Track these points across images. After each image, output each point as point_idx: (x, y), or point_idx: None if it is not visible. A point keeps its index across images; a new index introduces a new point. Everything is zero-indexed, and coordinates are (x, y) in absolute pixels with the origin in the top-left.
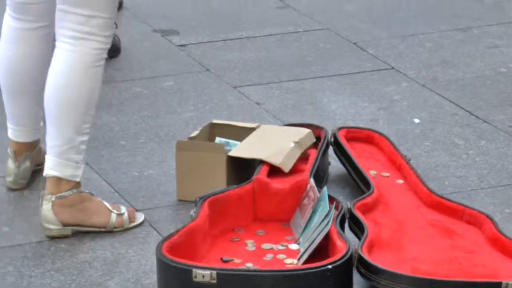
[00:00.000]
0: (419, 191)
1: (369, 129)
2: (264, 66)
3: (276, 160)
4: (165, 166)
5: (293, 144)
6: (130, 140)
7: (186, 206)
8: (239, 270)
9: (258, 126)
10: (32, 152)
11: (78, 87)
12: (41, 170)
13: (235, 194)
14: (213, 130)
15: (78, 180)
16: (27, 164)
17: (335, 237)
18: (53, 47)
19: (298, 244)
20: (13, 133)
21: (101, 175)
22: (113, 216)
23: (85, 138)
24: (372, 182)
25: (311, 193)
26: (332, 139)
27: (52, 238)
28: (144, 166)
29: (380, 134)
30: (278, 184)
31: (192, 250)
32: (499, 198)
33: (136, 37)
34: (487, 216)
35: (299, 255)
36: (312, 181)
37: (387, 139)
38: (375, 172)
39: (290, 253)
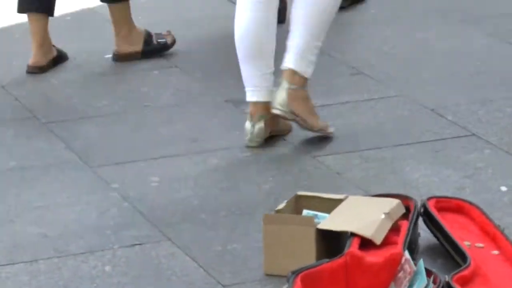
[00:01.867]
0: None
1: (458, 199)
2: (341, 135)
3: (367, 233)
4: (250, 240)
5: (383, 216)
6: (210, 214)
7: (274, 280)
8: None
9: (345, 198)
10: (266, 115)
11: (328, 2)
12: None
13: (328, 269)
14: (299, 202)
15: (307, 76)
16: (261, 125)
17: None
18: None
19: None
20: (248, 94)
21: (184, 250)
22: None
23: (320, 44)
24: (468, 253)
25: (406, 266)
26: (422, 210)
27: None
28: (228, 240)
29: (470, 203)
30: (371, 257)
31: None
32: None
33: (209, 108)
34: None
35: None
36: (407, 253)
37: (478, 208)
38: (469, 243)
39: None
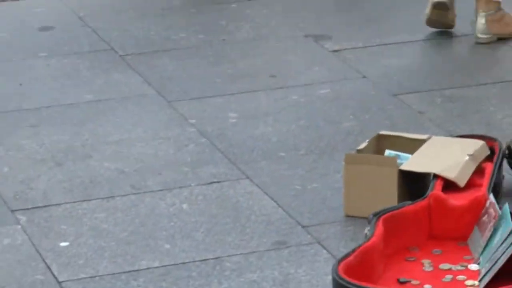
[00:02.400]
0: None
1: None
2: (423, 73)
3: (450, 174)
4: (329, 180)
5: (467, 157)
6: (289, 152)
7: (355, 222)
8: None
9: (428, 138)
10: None
11: None
12: None
13: (411, 211)
14: (380, 142)
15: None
16: None
17: None
18: None
19: (478, 264)
20: None
21: (263, 189)
22: None
23: None
24: None
25: (491, 210)
26: (506, 151)
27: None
28: (307, 179)
29: None
30: (455, 200)
31: (368, 271)
32: None
33: (289, 42)
34: None
35: (480, 277)
36: (492, 197)
37: None
38: None
39: (470, 275)
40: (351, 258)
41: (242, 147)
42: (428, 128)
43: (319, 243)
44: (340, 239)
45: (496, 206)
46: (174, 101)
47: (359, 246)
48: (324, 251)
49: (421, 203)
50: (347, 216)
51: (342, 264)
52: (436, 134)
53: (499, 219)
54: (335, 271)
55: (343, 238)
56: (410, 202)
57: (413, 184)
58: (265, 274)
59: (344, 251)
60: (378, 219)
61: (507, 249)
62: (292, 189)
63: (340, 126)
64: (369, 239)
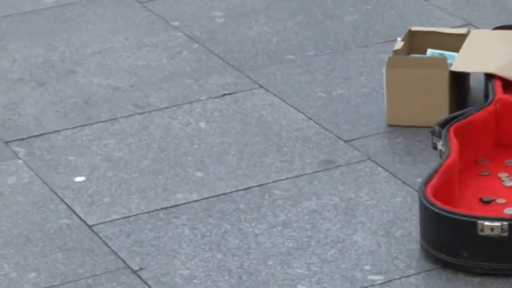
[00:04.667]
0: None
1: None
2: None
3: (510, 73)
4: (354, 84)
5: None
6: (297, 53)
7: (402, 132)
8: None
9: (468, 32)
10: None
11: None
12: None
13: (478, 119)
14: (413, 40)
15: None
16: None
17: None
18: None
19: None
20: None
21: (283, 99)
22: None
23: None
24: None
25: None
26: None
27: None
28: (329, 85)
29: None
30: None
31: (450, 191)
32: None
33: None
34: None
35: None
36: None
37: None
38: None
39: None
40: (435, 180)
41: (242, 51)
42: (442, 17)
43: (370, 159)
44: (392, 154)
45: None
46: (146, 1)
47: (440, 165)
48: (380, 168)
49: (488, 109)
50: (390, 125)
51: (429, 187)
52: (452, 24)
53: None
54: (424, 196)
55: (395, 152)
56: (474, 108)
57: (460, 86)
58: (324, 202)
59: (402, 167)
60: (448, 131)
61: None
62: (316, 98)
63: (342, 20)
64: (448, 156)
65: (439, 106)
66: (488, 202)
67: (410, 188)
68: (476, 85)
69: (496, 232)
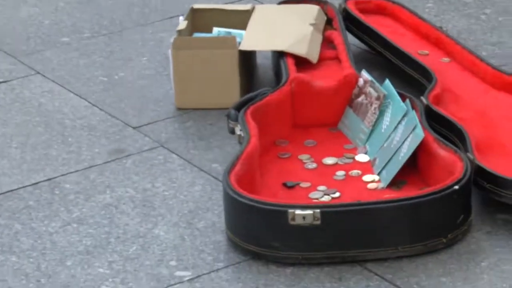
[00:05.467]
0: (480, 70)
1: None
2: None
3: (301, 50)
4: (136, 66)
5: (311, 28)
6: (72, 35)
7: (192, 116)
8: (349, 205)
9: (253, 8)
10: None
11: None
12: None
13: (275, 100)
14: (196, 18)
15: None
16: None
17: (435, 146)
18: None
19: (366, 153)
20: None
21: (62, 84)
22: None
23: None
24: (425, 63)
25: (370, 90)
26: (343, 14)
27: None
28: (109, 68)
29: (394, 2)
30: (320, 81)
31: (252, 178)
32: None
33: None
34: None
35: (377, 170)
36: (366, 73)
37: (405, 8)
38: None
39: (363, 168)
40: (238, 167)
41: (13, 35)
42: None
43: (162, 146)
44: (185, 139)
45: (377, 84)
46: None
47: (242, 152)
48: (174, 155)
49: (283, 89)
50: (179, 109)
51: (232, 176)
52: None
53: (385, 99)
54: (228, 185)
55: (188, 137)
56: (269, 89)
57: (247, 64)
58: (119, 194)
59: (197, 153)
60: (245, 114)
61: (410, 139)
62: (97, 82)
63: None
64: (248, 141)
65: (229, 87)
66: (292, 187)
67: (208, 175)
68: (263, 62)
69: (308, 221)
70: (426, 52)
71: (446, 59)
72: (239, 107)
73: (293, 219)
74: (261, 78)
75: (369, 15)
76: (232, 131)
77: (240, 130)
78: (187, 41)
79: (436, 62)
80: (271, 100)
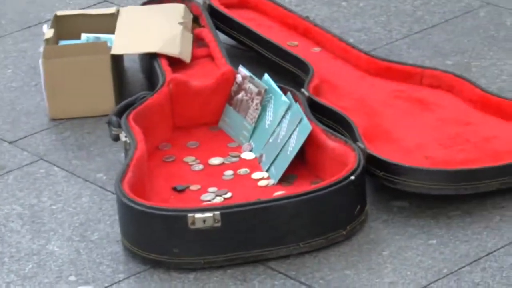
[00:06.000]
0: (352, 57)
1: None
2: None
3: (174, 50)
4: (2, 80)
5: (181, 27)
6: None
7: (68, 126)
8: (249, 205)
9: (118, 12)
10: None
11: None
12: None
13: (155, 103)
14: (61, 25)
15: None
16: None
17: (323, 138)
18: None
19: (252, 151)
20: None
21: None
22: None
23: None
24: (298, 54)
25: (249, 86)
26: (208, 10)
27: None
28: None
29: None
30: (197, 80)
31: (143, 185)
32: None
33: None
34: (459, 76)
35: (265, 167)
36: (243, 69)
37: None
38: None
39: (250, 165)
40: (129, 174)
41: None
42: None
43: (42, 159)
44: (65, 150)
45: (256, 79)
46: None
47: (131, 158)
48: (56, 168)
49: (162, 91)
50: (54, 120)
51: (125, 184)
52: (88, 2)
53: (266, 94)
54: (123, 194)
55: (67, 148)
56: (147, 92)
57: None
58: (6, 212)
59: (79, 163)
60: (127, 119)
61: (296, 133)
62: None
63: None
64: (135, 147)
65: (103, 93)
66: (182, 190)
67: (94, 185)
68: (131, 65)
69: (209, 224)
70: (296, 43)
71: (317, 49)
72: (119, 113)
73: (193, 223)
74: (131, 82)
75: (233, 9)
76: (116, 138)
77: (125, 136)
78: (58, 49)
79: (307, 52)
80: (151, 104)
